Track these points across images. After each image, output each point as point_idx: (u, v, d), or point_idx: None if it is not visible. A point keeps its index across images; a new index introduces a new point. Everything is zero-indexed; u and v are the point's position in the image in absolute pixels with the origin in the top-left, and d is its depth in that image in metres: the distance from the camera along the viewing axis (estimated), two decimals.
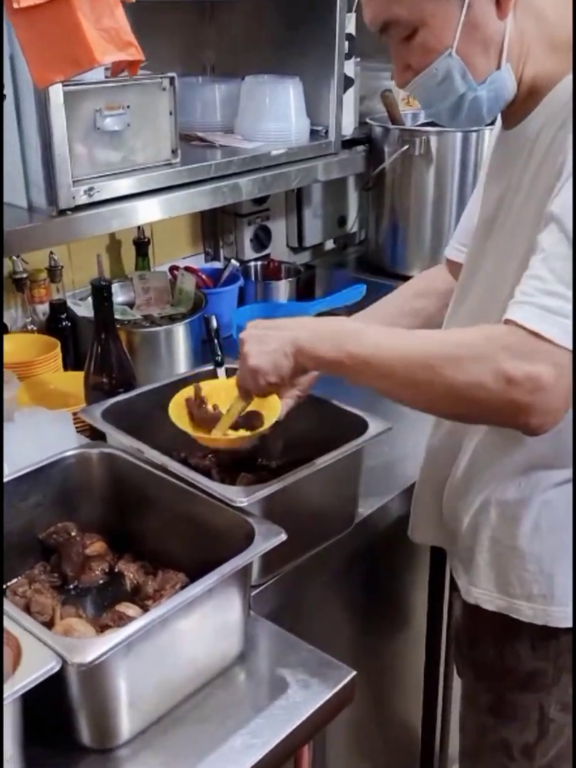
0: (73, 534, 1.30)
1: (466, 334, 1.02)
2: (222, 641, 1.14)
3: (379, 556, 1.59)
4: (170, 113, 1.60)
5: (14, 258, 1.80)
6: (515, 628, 1.25)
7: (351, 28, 1.96)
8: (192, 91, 1.94)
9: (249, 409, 1.26)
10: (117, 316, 1.73)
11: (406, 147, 2.08)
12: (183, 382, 1.40)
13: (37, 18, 1.17)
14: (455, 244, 1.43)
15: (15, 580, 1.25)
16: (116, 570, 1.29)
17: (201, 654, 1.11)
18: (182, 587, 1.17)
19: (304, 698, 1.09)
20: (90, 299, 1.66)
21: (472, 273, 1.25)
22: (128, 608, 1.16)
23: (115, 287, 1.93)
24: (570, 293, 0.93)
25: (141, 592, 1.22)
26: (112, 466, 1.34)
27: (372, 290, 1.97)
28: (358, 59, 2.13)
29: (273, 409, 1.27)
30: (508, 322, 0.96)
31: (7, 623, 0.95)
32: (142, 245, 2.08)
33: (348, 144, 2.11)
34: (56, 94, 1.37)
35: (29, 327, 1.90)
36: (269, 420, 1.26)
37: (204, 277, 2.15)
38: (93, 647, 0.92)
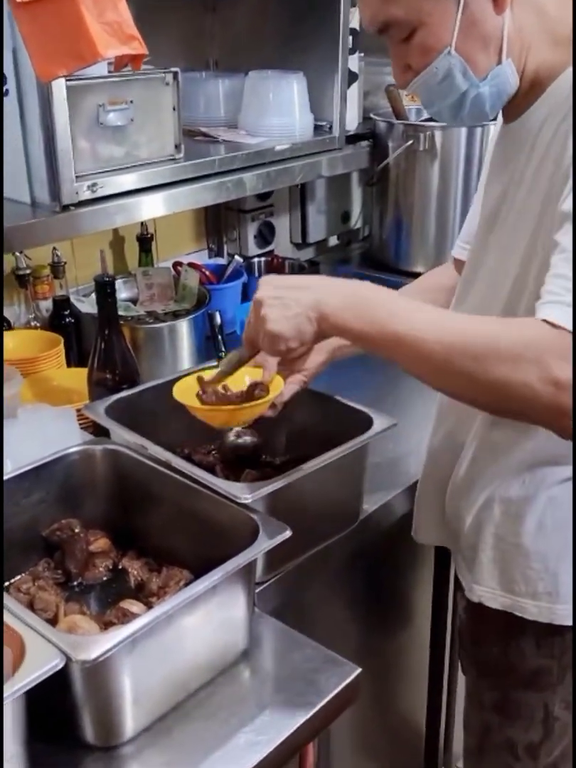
0: (76, 531, 1.29)
1: (508, 328, 0.96)
2: (226, 638, 1.13)
3: (383, 553, 1.59)
4: (174, 108, 1.59)
5: (17, 254, 1.80)
6: (519, 625, 1.25)
7: (355, 23, 1.95)
8: (195, 86, 1.94)
9: (251, 381, 1.24)
10: (120, 313, 1.73)
11: (410, 142, 2.08)
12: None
13: (40, 12, 1.17)
14: (461, 243, 1.43)
15: (19, 577, 1.24)
16: (120, 567, 1.29)
17: (205, 651, 1.10)
18: (186, 584, 1.16)
19: (309, 696, 1.09)
20: (93, 295, 1.65)
21: (474, 268, 1.25)
22: (132, 605, 1.15)
23: (119, 283, 1.92)
24: None
25: (145, 589, 1.22)
26: (115, 463, 1.33)
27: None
28: (362, 54, 2.13)
29: (275, 387, 1.25)
30: (546, 322, 0.92)
31: (10, 620, 0.95)
32: (145, 241, 2.07)
33: (352, 139, 2.10)
34: (59, 88, 1.37)
35: (32, 323, 1.90)
36: (272, 395, 1.23)
37: (207, 273, 2.14)
38: (97, 644, 0.92)
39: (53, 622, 1.12)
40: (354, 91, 2.09)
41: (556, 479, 1.18)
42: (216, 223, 2.33)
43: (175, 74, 1.57)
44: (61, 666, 0.88)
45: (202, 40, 2.09)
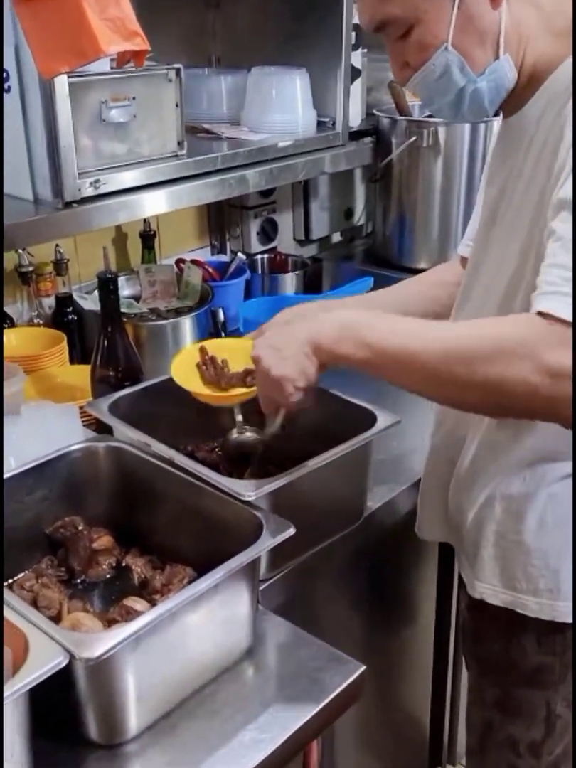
0: (80, 528, 1.29)
1: (501, 328, 0.97)
2: (230, 636, 1.13)
3: (387, 550, 1.58)
4: (176, 105, 1.59)
5: (20, 251, 1.79)
6: (521, 622, 1.24)
7: (358, 18, 1.95)
8: (198, 82, 1.93)
9: (247, 367, 1.29)
10: (123, 310, 1.73)
11: (413, 138, 2.07)
12: None
13: (42, 8, 1.16)
14: (466, 241, 1.43)
15: (22, 575, 1.24)
16: (123, 564, 1.29)
17: (209, 648, 1.10)
18: (190, 581, 1.16)
19: (313, 693, 1.09)
20: (96, 292, 1.65)
21: (477, 265, 1.25)
22: (136, 602, 1.15)
23: (121, 280, 1.92)
24: None
25: (148, 587, 1.22)
26: (119, 460, 1.33)
27: (379, 283, 1.95)
28: (365, 50, 2.12)
29: None
30: (542, 314, 0.92)
31: (14, 617, 0.94)
32: (148, 238, 2.07)
33: (355, 135, 2.09)
34: (61, 85, 1.36)
35: (35, 320, 1.89)
36: None
37: (210, 270, 2.14)
38: (100, 642, 0.91)
39: (56, 619, 1.12)
40: (357, 87, 2.08)
41: (556, 476, 1.18)
42: (219, 219, 2.32)
43: (178, 71, 1.57)
44: (64, 664, 0.88)
45: (205, 37, 2.08)
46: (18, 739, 0.91)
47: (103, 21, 1.16)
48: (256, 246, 2.33)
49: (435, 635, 1.83)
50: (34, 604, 1.15)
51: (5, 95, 1.41)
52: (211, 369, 1.34)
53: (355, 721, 1.64)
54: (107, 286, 1.48)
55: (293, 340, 1.09)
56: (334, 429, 1.32)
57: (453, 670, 1.88)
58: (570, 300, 0.90)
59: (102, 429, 1.43)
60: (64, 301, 1.90)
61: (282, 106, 1.87)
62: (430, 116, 2.13)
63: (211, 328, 1.93)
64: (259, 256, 2.35)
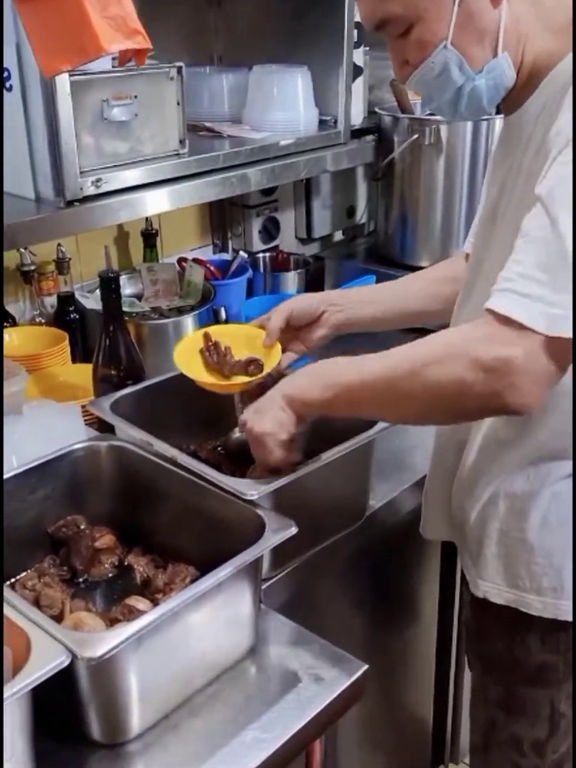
0: (82, 527, 1.29)
1: (446, 334, 1.03)
2: (233, 635, 1.13)
3: (390, 548, 1.58)
4: (178, 103, 1.59)
5: (22, 250, 1.79)
6: (524, 621, 1.24)
7: (359, 16, 1.94)
8: (199, 80, 1.93)
9: (249, 356, 1.33)
10: (125, 309, 1.72)
11: (415, 136, 2.07)
12: None
13: (43, 6, 1.16)
14: (470, 239, 1.42)
15: (24, 574, 1.24)
16: (126, 563, 1.29)
17: (211, 648, 1.10)
18: (192, 581, 1.16)
19: (316, 692, 1.09)
20: (98, 291, 1.65)
21: (479, 262, 1.25)
22: (138, 602, 1.15)
23: (123, 279, 1.92)
24: (545, 277, 0.93)
25: (151, 586, 1.22)
26: (121, 459, 1.33)
27: (381, 281, 1.95)
28: (367, 48, 2.11)
29: (274, 358, 1.32)
30: (486, 310, 0.96)
31: (16, 617, 0.94)
32: (150, 237, 2.07)
33: (357, 134, 2.09)
34: (63, 83, 1.36)
35: (37, 319, 1.89)
36: (268, 366, 1.31)
37: (212, 268, 2.14)
38: (103, 641, 0.91)
39: (59, 618, 1.12)
40: (359, 85, 2.08)
41: (560, 475, 1.18)
42: (221, 218, 2.32)
43: (180, 69, 1.57)
44: (66, 663, 0.88)
45: (207, 35, 2.08)
46: (20, 738, 0.91)
47: (105, 19, 1.16)
48: (257, 244, 2.33)
49: (438, 634, 1.83)
50: (37, 603, 1.15)
51: (7, 94, 1.41)
52: (214, 355, 1.36)
53: (357, 719, 1.64)
54: (109, 285, 1.48)
55: (269, 398, 1.17)
56: (336, 428, 1.32)
57: (456, 669, 1.88)
58: (516, 296, 0.93)
59: (104, 428, 1.43)
60: (66, 300, 1.90)
61: (284, 104, 1.87)
62: (431, 114, 2.13)
63: None
64: (260, 255, 2.35)
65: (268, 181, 1.81)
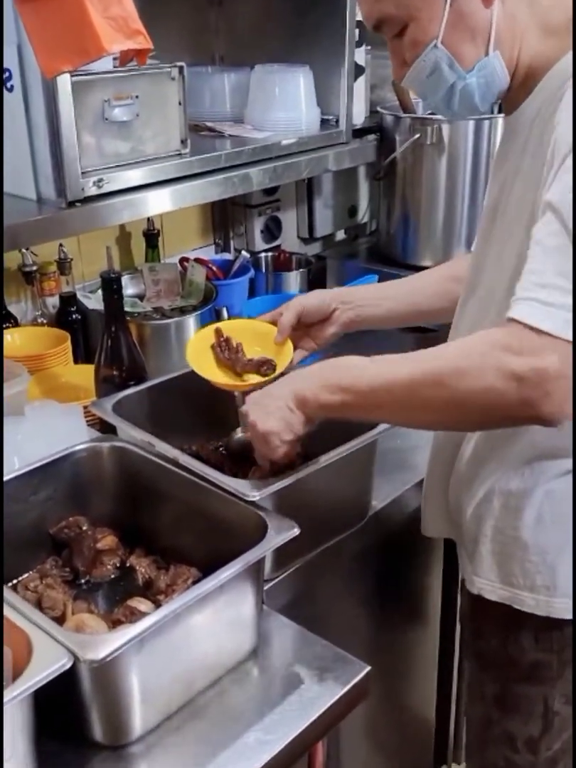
0: (84, 528, 1.29)
1: (467, 343, 1.02)
2: (235, 636, 1.13)
3: (392, 549, 1.58)
4: (179, 103, 1.58)
5: (24, 250, 1.79)
6: (518, 618, 1.24)
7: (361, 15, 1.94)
8: (201, 80, 1.93)
9: (262, 356, 1.33)
10: (127, 309, 1.72)
11: (417, 136, 2.06)
12: (194, 374, 1.38)
13: (44, 7, 1.16)
14: (477, 239, 1.43)
15: (26, 575, 1.24)
16: (128, 564, 1.29)
17: (214, 649, 1.10)
18: (194, 582, 1.16)
19: (318, 694, 1.09)
20: (100, 292, 1.65)
21: (480, 260, 1.25)
22: (140, 603, 1.15)
23: (125, 279, 1.92)
24: (568, 284, 0.93)
25: (153, 587, 1.21)
26: (123, 460, 1.33)
27: (383, 281, 1.95)
28: (369, 47, 2.11)
29: (286, 356, 1.32)
30: (510, 320, 0.96)
31: (18, 619, 0.94)
32: (151, 237, 2.07)
33: (359, 133, 2.09)
34: (64, 84, 1.36)
35: (39, 320, 1.89)
36: (281, 366, 1.30)
37: (214, 268, 2.13)
38: (105, 644, 0.91)
39: (61, 620, 1.12)
40: (361, 85, 2.08)
41: (554, 473, 1.18)
42: (222, 218, 2.32)
43: (181, 69, 1.56)
44: (68, 666, 0.88)
45: (208, 35, 2.08)
46: (22, 740, 0.91)
47: (106, 19, 1.16)
48: (259, 244, 2.33)
49: (440, 633, 1.83)
50: (39, 604, 1.15)
51: (8, 94, 1.40)
52: (225, 351, 1.36)
53: (360, 719, 1.64)
54: (111, 286, 1.48)
55: (278, 395, 1.15)
56: (339, 428, 1.31)
57: (459, 668, 1.88)
58: (536, 304, 0.93)
59: (106, 429, 1.43)
60: (68, 300, 1.90)
61: (285, 103, 1.87)
62: (433, 113, 2.13)
63: None
64: (262, 255, 2.34)
65: (270, 180, 1.81)
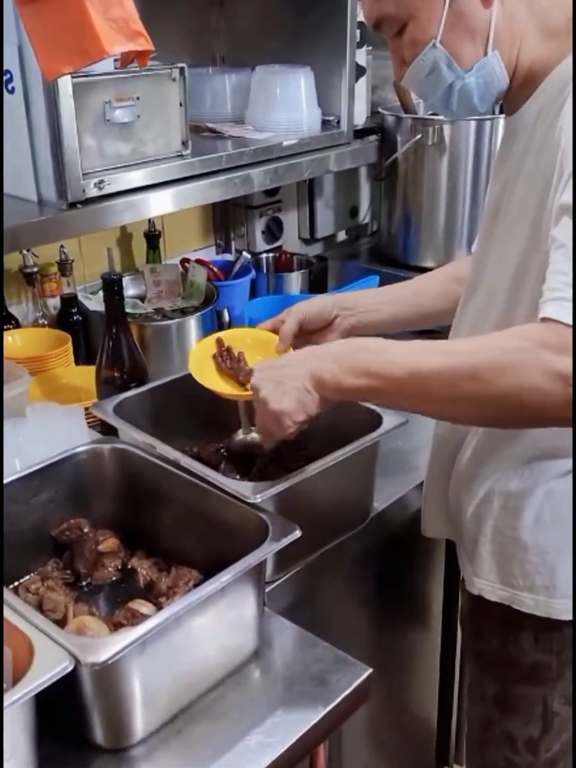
0: (85, 530, 1.29)
1: (504, 339, 0.98)
2: (236, 638, 1.13)
3: (394, 550, 1.58)
4: (180, 104, 1.58)
5: (25, 252, 1.79)
6: (518, 619, 1.24)
7: (362, 16, 1.93)
8: (202, 81, 1.93)
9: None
10: (128, 310, 1.72)
11: (418, 136, 2.06)
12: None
13: (45, 8, 1.16)
14: (478, 239, 1.42)
15: (27, 577, 1.24)
16: (129, 566, 1.28)
17: (215, 652, 1.10)
18: (196, 584, 1.16)
19: (320, 696, 1.08)
20: (101, 293, 1.65)
21: (481, 260, 1.25)
22: (141, 605, 1.15)
23: (126, 281, 1.92)
24: None
25: (154, 589, 1.21)
26: (124, 462, 1.33)
27: (385, 281, 1.95)
28: (370, 48, 2.11)
29: None
30: (545, 319, 0.94)
31: (18, 621, 0.94)
32: (153, 238, 2.07)
33: (360, 134, 2.09)
34: (65, 85, 1.36)
35: (40, 321, 1.89)
36: None
37: (215, 269, 2.13)
38: (106, 647, 0.91)
39: (62, 622, 1.12)
40: (362, 85, 2.08)
41: (554, 473, 1.18)
42: (224, 219, 2.32)
43: (182, 70, 1.56)
44: (69, 669, 0.88)
45: (209, 36, 2.08)
46: (23, 742, 0.91)
47: (107, 21, 1.16)
48: (261, 245, 2.33)
49: (442, 634, 1.83)
50: (40, 607, 1.15)
51: (9, 96, 1.40)
52: (227, 360, 1.35)
53: (362, 721, 1.64)
54: (112, 287, 1.47)
55: (295, 374, 1.08)
56: (340, 430, 1.32)
57: (460, 669, 1.87)
58: (569, 304, 0.91)
59: (107, 430, 1.43)
60: (69, 301, 1.90)
61: (286, 104, 1.87)
62: (434, 114, 2.13)
63: (217, 328, 1.93)
64: (264, 255, 2.34)
65: (271, 181, 1.81)
